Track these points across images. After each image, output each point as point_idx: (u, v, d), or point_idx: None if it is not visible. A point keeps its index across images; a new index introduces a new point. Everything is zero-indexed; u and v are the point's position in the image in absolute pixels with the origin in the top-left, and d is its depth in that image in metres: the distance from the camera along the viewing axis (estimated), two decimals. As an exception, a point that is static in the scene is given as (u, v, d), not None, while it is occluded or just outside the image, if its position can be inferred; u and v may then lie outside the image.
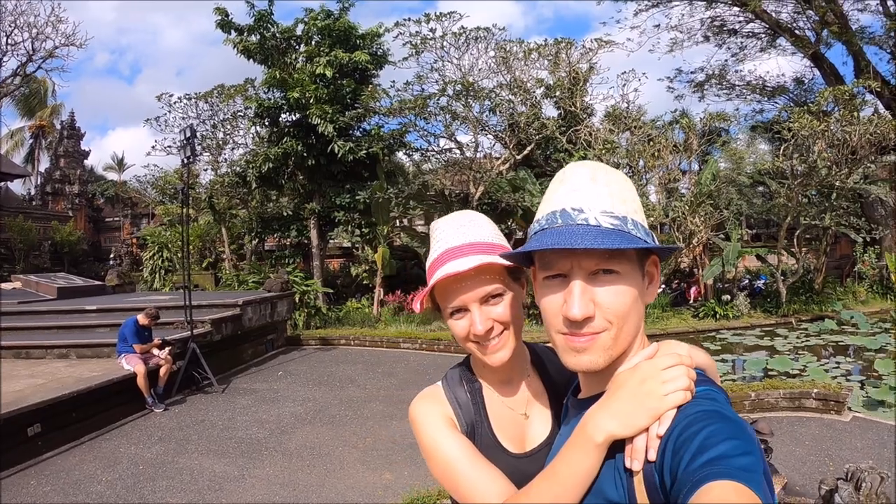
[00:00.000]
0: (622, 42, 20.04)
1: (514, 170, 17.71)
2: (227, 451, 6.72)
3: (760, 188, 19.49)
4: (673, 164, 16.82)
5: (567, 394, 1.24)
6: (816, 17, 22.23)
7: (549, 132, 16.40)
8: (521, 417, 1.31)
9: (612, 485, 0.94)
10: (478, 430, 1.28)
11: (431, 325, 15.36)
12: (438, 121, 17.13)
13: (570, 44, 17.53)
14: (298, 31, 18.02)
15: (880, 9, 22.96)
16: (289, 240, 20.39)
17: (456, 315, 1.23)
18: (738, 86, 25.59)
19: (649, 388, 0.91)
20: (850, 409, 7.76)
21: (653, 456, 0.88)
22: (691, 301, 17.24)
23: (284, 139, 17.52)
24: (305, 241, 19.62)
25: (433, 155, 18.43)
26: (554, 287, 0.99)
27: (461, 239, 1.24)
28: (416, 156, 18.95)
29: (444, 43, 16.78)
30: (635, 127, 16.27)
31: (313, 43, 17.65)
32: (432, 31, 16.86)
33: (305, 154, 17.30)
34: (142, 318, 8.67)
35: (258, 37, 17.31)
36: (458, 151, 17.57)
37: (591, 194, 0.97)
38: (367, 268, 19.76)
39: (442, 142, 18.01)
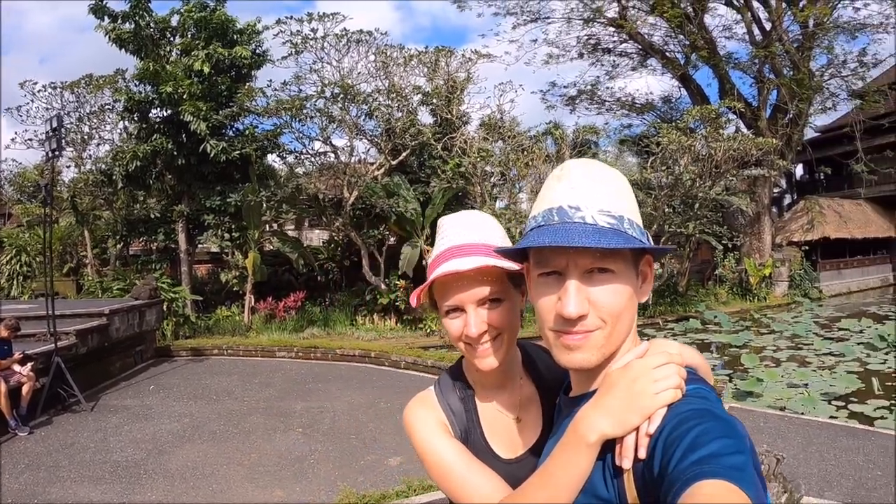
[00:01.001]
0: (500, 56, 20.82)
1: (388, 175, 17.90)
2: (103, 477, 6.28)
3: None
4: (546, 174, 17.51)
5: (559, 392, 1.25)
6: (687, 42, 24.02)
7: (424, 139, 16.71)
8: (513, 422, 1.32)
9: (603, 482, 0.96)
10: (471, 437, 1.30)
11: (304, 332, 15.26)
12: (314, 123, 17.04)
13: (450, 52, 17.93)
14: (174, 23, 17.40)
15: (746, 38, 25.19)
16: (155, 244, 19.65)
17: (452, 314, 1.24)
18: (609, 101, 27.30)
19: (641, 387, 0.92)
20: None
21: (643, 454, 0.89)
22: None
23: (154, 136, 16.84)
24: (173, 246, 18.89)
25: (307, 158, 18.27)
26: (549, 284, 1.00)
27: (467, 238, 1.25)
28: (290, 158, 18.68)
29: (325, 44, 16.68)
30: (509, 136, 16.88)
31: (189, 36, 17.12)
32: (314, 31, 16.70)
33: (175, 153, 16.71)
34: (0, 330, 8.04)
35: (132, 25, 16.45)
36: (332, 155, 17.54)
37: (588, 192, 0.98)
38: (237, 274, 19.24)
39: (317, 145, 17.94)
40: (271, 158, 20.00)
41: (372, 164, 18.80)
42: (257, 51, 18.04)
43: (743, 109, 22.16)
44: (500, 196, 18.11)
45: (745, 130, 22.16)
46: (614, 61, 27.01)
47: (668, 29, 24.81)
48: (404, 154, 17.67)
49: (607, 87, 27.70)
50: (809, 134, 28.25)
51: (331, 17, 16.72)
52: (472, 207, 17.33)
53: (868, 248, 30.05)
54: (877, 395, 9.61)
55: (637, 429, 0.91)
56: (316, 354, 12.63)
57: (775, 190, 29.54)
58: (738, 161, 19.12)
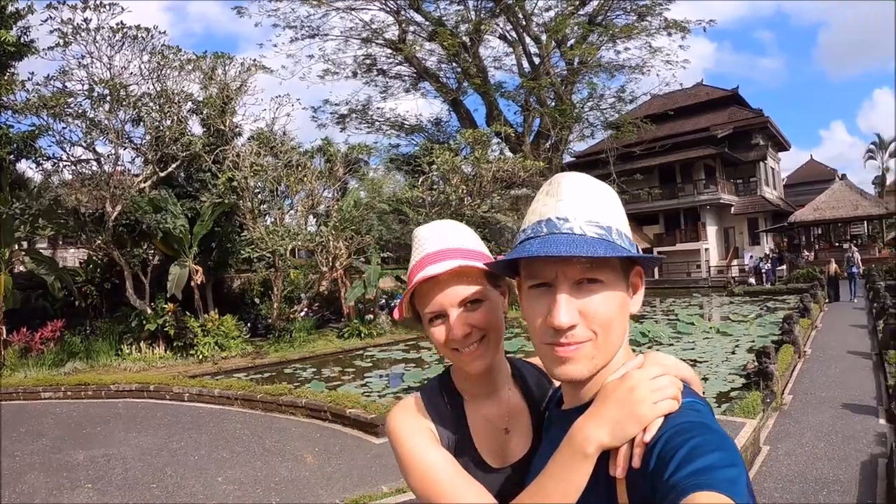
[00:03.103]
0: (276, 69, 21.26)
1: (155, 188, 17.13)
2: None
3: (399, 215, 21.93)
4: (318, 190, 18.39)
5: (548, 405, 1.30)
6: (460, 69, 26.45)
7: (195, 149, 16.41)
8: (502, 432, 1.33)
9: (596, 491, 0.98)
10: (459, 445, 1.30)
11: (65, 366, 13.74)
12: (77, 126, 15.81)
13: (229, 59, 17.90)
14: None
15: (516, 69, 28.52)
16: None
17: (435, 321, 1.25)
18: (379, 121, 29.05)
19: (638, 396, 0.94)
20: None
21: (637, 463, 0.91)
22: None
23: None
24: None
25: (67, 166, 16.70)
26: (539, 296, 1.01)
27: (440, 245, 1.27)
28: (48, 165, 16.91)
29: (98, 37, 15.43)
30: (281, 151, 17.34)
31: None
32: (87, 20, 15.32)
33: None
34: None
35: None
36: (95, 164, 16.25)
37: (576, 204, 1.00)
38: (-19, 302, 16.66)
39: (79, 151, 16.47)
40: (24, 165, 18.34)
41: (138, 175, 17.57)
42: (22, 38, 16.34)
43: (509, 134, 24.83)
44: (270, 212, 18.29)
45: (508, 154, 24.76)
46: (387, 83, 28.82)
47: (444, 56, 27.12)
48: (173, 166, 17.07)
49: (378, 108, 29.37)
50: (566, 158, 32.19)
51: (107, 7, 15.46)
52: (242, 223, 17.42)
53: (622, 259, 34.92)
54: None
55: (633, 438, 0.93)
56: (87, 392, 11.46)
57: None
58: (505, 182, 21.56)
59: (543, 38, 27.05)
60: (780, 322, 14.16)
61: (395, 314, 1.43)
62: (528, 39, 27.71)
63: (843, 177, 37.18)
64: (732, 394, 10.18)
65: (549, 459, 1.04)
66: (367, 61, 27.63)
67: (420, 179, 20.82)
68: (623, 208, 1.07)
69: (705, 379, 11.43)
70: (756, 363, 9.93)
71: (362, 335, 17.35)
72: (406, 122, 29.23)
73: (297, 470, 6.74)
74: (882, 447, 6.28)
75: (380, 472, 6.53)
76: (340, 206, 18.41)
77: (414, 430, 1.29)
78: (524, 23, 27.02)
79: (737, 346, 14.60)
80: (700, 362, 13.03)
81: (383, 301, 20.14)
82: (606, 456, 0.96)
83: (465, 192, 20.06)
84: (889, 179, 54.48)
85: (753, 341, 15.03)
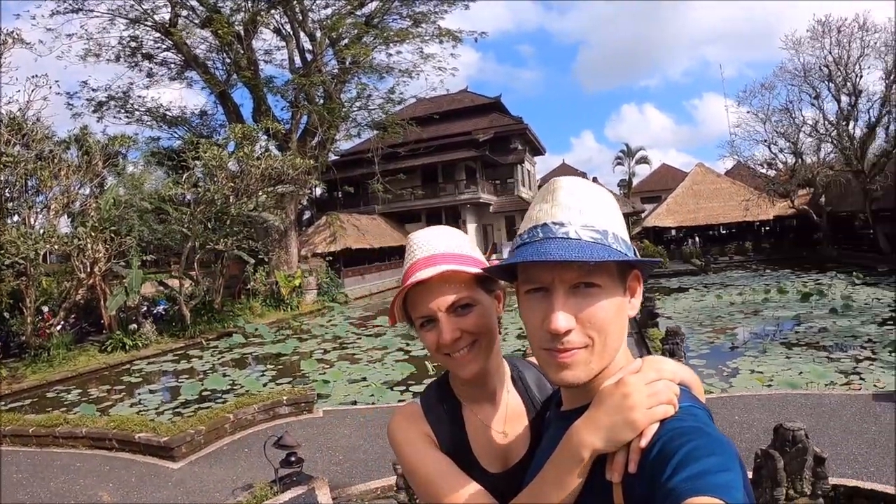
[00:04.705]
0: (33, 43, 19.20)
1: None
2: None
3: (160, 214, 20.89)
4: (75, 186, 16.94)
5: (548, 407, 1.32)
6: (230, 60, 25.70)
7: None
8: (500, 435, 1.35)
9: (592, 495, 0.98)
10: (457, 449, 1.32)
11: None
12: None
13: None
14: None
15: (287, 64, 28.39)
16: None
17: (426, 326, 1.27)
18: (140, 111, 27.20)
19: (633, 402, 0.94)
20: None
21: (633, 468, 0.91)
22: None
23: None
24: None
25: None
26: (536, 301, 1.03)
27: (431, 250, 1.29)
28: None
29: None
30: (34, 140, 15.76)
31: None
32: None
33: None
34: None
35: None
36: None
37: (572, 209, 1.02)
38: None
39: None
40: None
41: None
42: None
43: (278, 131, 24.93)
44: (19, 211, 16.38)
45: (275, 151, 24.65)
46: (152, 69, 27.22)
47: (215, 45, 26.23)
48: None
49: (140, 96, 27.57)
50: (331, 157, 32.87)
51: None
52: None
53: (384, 256, 36.55)
54: (431, 376, 11.71)
55: (629, 443, 0.94)
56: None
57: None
58: (273, 179, 21.44)
59: (318, 34, 27.22)
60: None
61: (388, 319, 1.40)
62: (302, 35, 27.79)
63: (595, 179, 41.90)
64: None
65: (545, 462, 1.06)
66: (133, 44, 25.75)
67: (184, 176, 20.01)
68: (620, 212, 1.09)
69: None
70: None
71: (127, 347, 16.43)
72: (169, 114, 27.65)
73: (95, 513, 6.37)
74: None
75: (187, 501, 6.44)
76: (99, 205, 17.12)
77: (412, 436, 1.33)
78: (301, 18, 26.95)
79: (507, 333, 15.90)
80: None
81: (146, 308, 19.01)
82: (603, 459, 0.97)
83: (231, 189, 19.67)
84: (634, 182, 63.70)
85: (520, 328, 16.24)
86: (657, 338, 11.63)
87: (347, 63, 27.56)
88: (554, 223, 1.01)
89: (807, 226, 33.36)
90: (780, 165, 33.58)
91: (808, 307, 16.79)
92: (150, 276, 19.47)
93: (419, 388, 11.03)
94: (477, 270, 1.26)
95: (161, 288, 20.90)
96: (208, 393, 11.85)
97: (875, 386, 9.03)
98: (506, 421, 1.36)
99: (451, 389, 1.40)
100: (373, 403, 10.22)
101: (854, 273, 23.40)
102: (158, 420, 9.30)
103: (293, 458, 5.98)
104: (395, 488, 5.54)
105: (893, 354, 10.83)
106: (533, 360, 1.45)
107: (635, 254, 1.05)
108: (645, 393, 0.95)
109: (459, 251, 1.31)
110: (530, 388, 1.42)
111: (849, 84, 27.61)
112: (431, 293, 1.25)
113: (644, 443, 0.91)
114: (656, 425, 0.93)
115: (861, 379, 9.64)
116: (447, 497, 1.19)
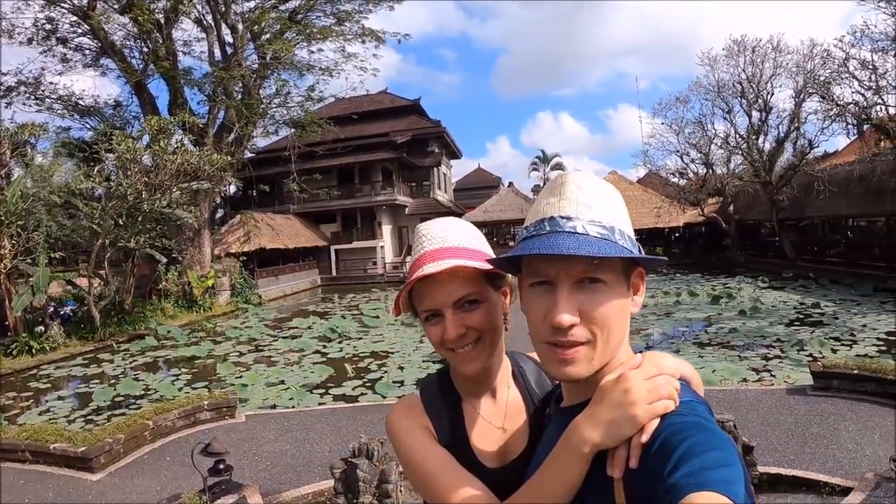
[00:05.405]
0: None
1: None
2: None
3: (69, 209, 20.14)
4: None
5: (547, 403, 1.32)
6: (148, 50, 24.81)
7: None
8: (500, 431, 1.35)
9: (593, 491, 0.99)
10: (456, 444, 1.31)
11: None
12: None
13: None
14: None
15: (205, 56, 27.61)
16: None
17: (431, 320, 1.27)
18: (52, 98, 25.91)
19: (634, 397, 0.94)
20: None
21: (634, 464, 0.92)
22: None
23: None
24: None
25: None
26: (540, 294, 1.03)
27: (442, 243, 1.29)
28: None
29: None
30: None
31: None
32: None
33: None
34: None
35: None
36: None
37: (580, 204, 1.02)
38: None
39: None
40: None
41: None
42: None
43: (197, 125, 24.24)
44: None
45: (189, 145, 23.88)
46: (67, 54, 25.88)
47: (133, 32, 25.32)
48: None
49: (52, 83, 26.19)
50: (247, 154, 32.18)
51: None
52: None
53: (298, 257, 36.21)
54: (350, 378, 11.95)
55: (630, 438, 0.94)
56: None
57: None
58: (189, 175, 20.83)
59: (240, 27, 26.57)
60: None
61: (393, 311, 1.39)
62: (224, 27, 27.03)
63: (510, 184, 42.78)
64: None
65: (546, 457, 1.06)
66: (49, 26, 24.33)
67: (96, 169, 19.13)
68: (626, 209, 1.10)
69: (401, 368, 12.58)
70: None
71: (34, 351, 15.61)
72: (81, 102, 26.18)
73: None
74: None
75: (108, 514, 6.11)
76: (5, 197, 16.19)
77: (411, 428, 1.32)
78: (223, 9, 26.21)
79: (424, 335, 16.24)
80: (392, 353, 14.32)
81: (53, 309, 18.01)
82: (604, 455, 0.97)
83: (145, 185, 19.00)
84: None
85: None
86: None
87: (268, 58, 27.06)
88: (561, 217, 1.02)
89: (716, 233, 35.16)
90: (692, 175, 35.28)
91: (719, 309, 17.76)
92: (58, 275, 18.53)
93: (339, 391, 11.13)
94: (486, 266, 1.24)
95: (69, 287, 20.03)
96: (121, 399, 11.46)
97: (785, 382, 9.66)
98: (506, 416, 1.37)
99: (451, 383, 1.40)
100: (293, 407, 10.13)
101: (760, 277, 24.99)
102: (72, 429, 8.86)
103: (222, 466, 5.73)
104: (334, 492, 5.53)
105: (800, 353, 11.64)
106: (532, 355, 1.45)
107: (640, 251, 1.05)
108: (645, 388, 0.96)
109: (469, 245, 1.30)
110: (530, 384, 1.42)
111: (760, 101, 29.24)
112: (439, 288, 1.24)
113: (645, 438, 0.92)
114: (657, 420, 0.93)
115: (772, 375, 10.31)
116: (446, 491, 1.19)
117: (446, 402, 1.37)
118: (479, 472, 1.25)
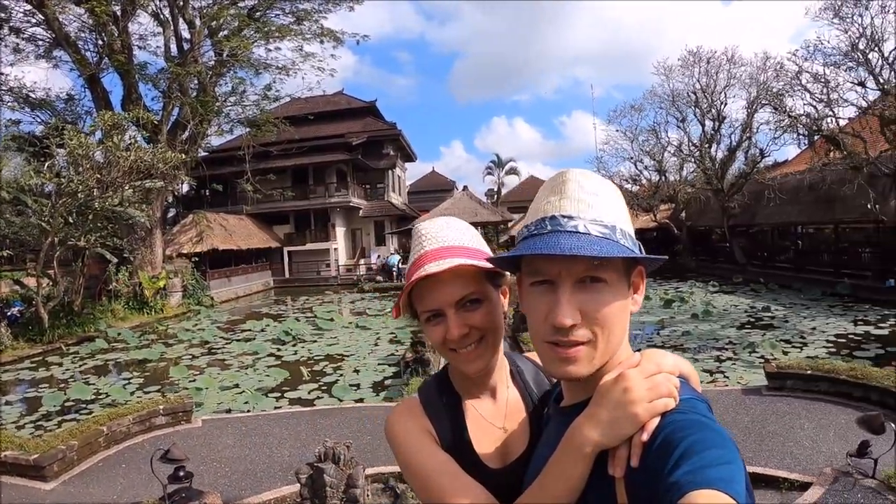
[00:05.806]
0: None
1: None
2: None
3: (17, 206, 19.46)
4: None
5: (546, 402, 1.32)
6: (103, 43, 24.25)
7: None
8: (500, 431, 1.34)
9: (595, 491, 0.99)
10: (456, 445, 1.30)
11: None
12: None
13: None
14: None
15: (161, 51, 27.16)
16: None
17: (432, 320, 1.26)
18: (2, 90, 25.07)
19: (633, 396, 0.95)
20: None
21: (635, 462, 0.92)
22: None
23: None
24: None
25: None
26: (540, 293, 1.03)
27: (441, 243, 1.28)
28: None
29: None
30: None
31: None
32: None
33: None
34: None
35: None
36: None
37: (581, 202, 1.02)
38: None
39: None
40: None
41: None
42: None
43: (151, 122, 23.84)
44: None
45: (143, 142, 23.46)
46: (19, 44, 25.11)
47: (88, 24, 24.68)
48: None
49: (2, 73, 25.13)
50: (201, 153, 31.65)
51: None
52: None
53: (251, 258, 35.78)
54: (306, 381, 11.94)
55: (630, 437, 0.95)
56: None
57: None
58: (142, 173, 20.39)
59: (198, 23, 26.17)
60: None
61: (393, 312, 1.38)
62: (181, 23, 26.53)
63: (465, 188, 42.81)
64: (387, 382, 11.51)
65: (546, 457, 1.07)
66: (2, 15, 23.58)
67: (46, 164, 18.65)
68: (626, 207, 1.10)
69: (357, 371, 12.58)
70: (413, 352, 11.42)
71: (-21, 354, 14.94)
72: (32, 95, 25.28)
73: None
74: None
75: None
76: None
77: (411, 430, 1.31)
78: (181, 4, 25.78)
79: (378, 338, 16.21)
80: (347, 356, 14.28)
81: (-1, 310, 17.51)
82: (605, 455, 0.98)
83: (97, 182, 18.53)
84: (503, 192, 65.88)
85: (393, 333, 16.90)
86: (530, 342, 12.16)
87: (225, 55, 26.70)
88: (563, 216, 1.02)
89: (668, 238, 35.77)
90: (645, 182, 36.07)
91: (671, 313, 18.18)
92: (5, 275, 18.08)
93: (295, 395, 11.09)
94: (487, 265, 1.24)
95: (17, 287, 19.40)
96: (72, 403, 11.14)
97: (739, 383, 9.99)
98: (506, 416, 1.36)
99: (450, 384, 1.39)
100: (249, 411, 10.01)
101: (711, 282, 25.71)
102: (21, 435, 8.56)
103: (182, 473, 5.62)
104: (300, 497, 5.53)
105: (752, 355, 12.03)
106: (530, 356, 1.47)
107: (641, 250, 1.06)
108: (645, 387, 0.96)
109: (469, 244, 1.30)
110: (528, 384, 1.42)
111: (713, 110, 30.10)
112: (440, 287, 1.24)
113: (645, 437, 0.93)
114: (657, 419, 0.94)
115: (725, 377, 10.64)
116: (447, 495, 1.18)
117: (446, 403, 1.36)
118: (481, 472, 1.26)
